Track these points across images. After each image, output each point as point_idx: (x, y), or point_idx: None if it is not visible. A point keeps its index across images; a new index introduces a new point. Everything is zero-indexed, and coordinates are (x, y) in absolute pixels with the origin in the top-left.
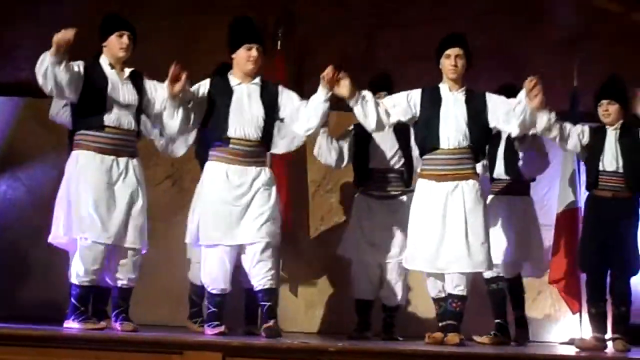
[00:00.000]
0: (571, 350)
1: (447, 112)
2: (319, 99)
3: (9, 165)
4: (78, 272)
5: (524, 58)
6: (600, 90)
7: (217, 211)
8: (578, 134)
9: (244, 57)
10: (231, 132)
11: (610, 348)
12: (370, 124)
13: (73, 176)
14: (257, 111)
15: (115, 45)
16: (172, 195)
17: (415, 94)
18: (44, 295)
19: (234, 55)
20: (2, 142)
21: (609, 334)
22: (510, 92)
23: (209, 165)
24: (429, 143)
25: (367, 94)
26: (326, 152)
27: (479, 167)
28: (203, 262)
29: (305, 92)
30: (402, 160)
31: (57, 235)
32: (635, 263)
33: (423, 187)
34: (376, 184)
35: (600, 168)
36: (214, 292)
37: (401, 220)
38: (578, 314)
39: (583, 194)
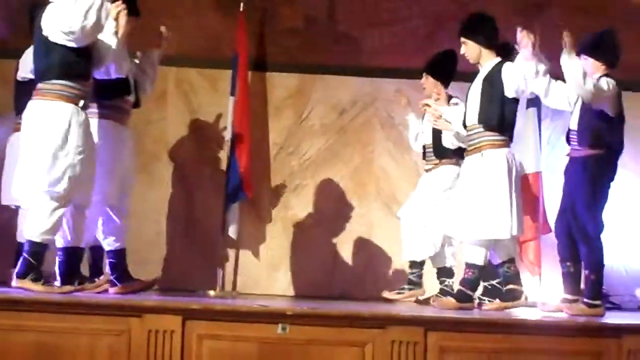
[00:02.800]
0: (536, 313)
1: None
2: None
3: None
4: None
5: None
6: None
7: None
8: (567, 93)
9: None
10: None
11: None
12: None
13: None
14: None
15: None
16: None
17: None
18: None
19: None
20: None
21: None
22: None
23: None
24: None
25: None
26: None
27: None
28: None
29: (268, 54)
30: None
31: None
32: (592, 226)
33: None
34: None
35: (570, 127)
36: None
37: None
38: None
39: (547, 157)
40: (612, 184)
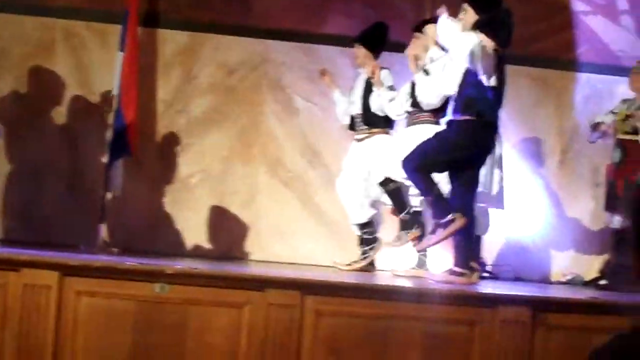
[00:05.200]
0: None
1: None
2: None
3: None
4: None
5: None
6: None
7: None
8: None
9: None
10: None
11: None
12: None
13: None
14: None
15: None
16: None
17: None
18: None
19: None
20: None
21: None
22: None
23: None
24: None
25: None
26: None
27: None
28: None
29: (159, 10)
30: None
31: None
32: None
33: None
34: None
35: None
36: None
37: None
38: None
39: None
40: (481, 153)
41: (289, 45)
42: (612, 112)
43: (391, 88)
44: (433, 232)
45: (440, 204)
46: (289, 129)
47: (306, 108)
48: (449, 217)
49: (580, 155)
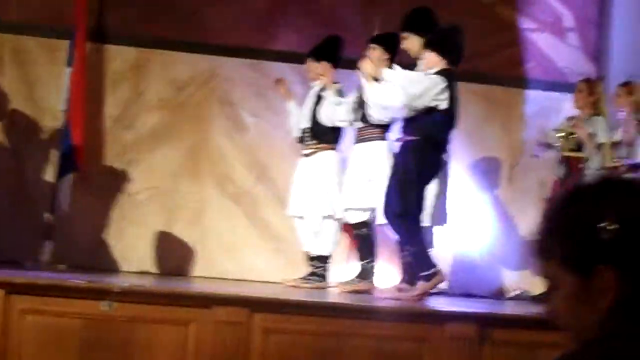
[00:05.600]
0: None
1: None
2: None
3: None
4: None
5: (329, 7)
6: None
7: None
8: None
9: None
10: None
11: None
12: None
13: None
14: None
15: None
16: None
17: None
18: None
19: None
20: None
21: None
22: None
23: None
24: None
25: None
26: None
27: None
28: None
29: (108, 25)
30: None
31: None
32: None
33: None
34: None
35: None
36: None
37: None
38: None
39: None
40: (431, 172)
41: (238, 62)
42: (556, 130)
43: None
44: (406, 279)
45: (423, 257)
46: (238, 145)
47: (255, 124)
48: (431, 270)
49: (528, 170)
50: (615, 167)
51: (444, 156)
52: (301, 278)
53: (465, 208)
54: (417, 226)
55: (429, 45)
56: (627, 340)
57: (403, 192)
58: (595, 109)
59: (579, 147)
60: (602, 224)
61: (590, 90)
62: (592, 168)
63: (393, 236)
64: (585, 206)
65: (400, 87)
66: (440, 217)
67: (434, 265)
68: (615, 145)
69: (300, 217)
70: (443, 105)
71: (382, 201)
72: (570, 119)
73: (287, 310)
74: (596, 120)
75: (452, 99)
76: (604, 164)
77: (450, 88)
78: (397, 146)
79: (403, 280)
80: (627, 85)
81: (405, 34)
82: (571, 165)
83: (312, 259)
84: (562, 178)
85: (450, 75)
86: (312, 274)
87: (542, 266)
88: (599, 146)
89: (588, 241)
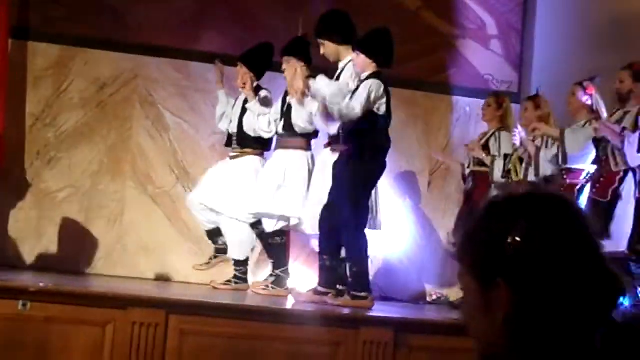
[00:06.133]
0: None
1: None
2: None
3: None
4: None
5: (254, 10)
6: None
7: None
8: None
9: None
10: None
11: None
12: None
13: None
14: None
15: None
16: None
17: None
18: None
19: None
20: None
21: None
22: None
23: None
24: None
25: None
26: None
27: None
28: None
29: (31, 23)
30: None
31: None
32: (354, 219)
33: None
34: None
35: None
36: None
37: None
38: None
39: None
40: (376, 179)
41: (161, 61)
42: (466, 145)
43: (267, 107)
44: (322, 284)
45: (362, 277)
46: (159, 144)
47: (177, 124)
48: (363, 294)
49: (448, 176)
50: (520, 182)
51: (385, 160)
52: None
53: (385, 213)
54: (364, 239)
55: (359, 47)
56: (515, 357)
57: (351, 203)
58: (502, 123)
59: (483, 162)
60: (507, 239)
61: (498, 104)
62: (497, 182)
63: (316, 247)
64: (497, 220)
65: (332, 98)
66: (375, 222)
67: (368, 291)
68: (522, 159)
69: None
70: (383, 108)
71: (319, 212)
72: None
73: (204, 312)
74: (502, 135)
75: (388, 102)
76: (510, 179)
77: (386, 90)
78: (336, 156)
79: (320, 284)
80: (534, 98)
81: (320, 40)
82: (477, 179)
83: (217, 256)
84: (468, 191)
85: (383, 78)
86: (233, 276)
87: (459, 271)
88: (505, 160)
89: (492, 253)
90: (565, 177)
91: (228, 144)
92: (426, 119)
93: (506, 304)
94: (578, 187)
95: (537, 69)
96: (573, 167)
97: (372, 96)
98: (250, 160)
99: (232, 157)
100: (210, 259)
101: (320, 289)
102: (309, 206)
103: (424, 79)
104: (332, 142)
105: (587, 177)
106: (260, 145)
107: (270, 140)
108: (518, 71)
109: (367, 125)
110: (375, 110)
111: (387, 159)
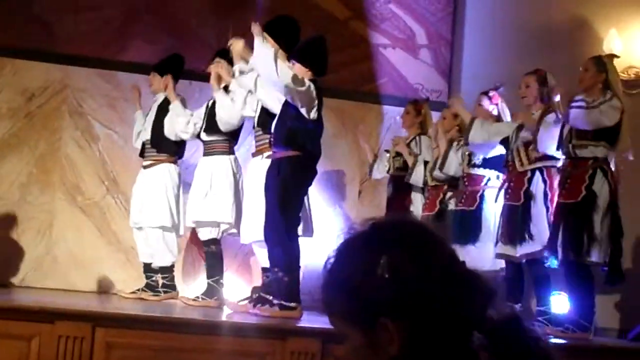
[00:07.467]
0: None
1: None
2: None
3: None
4: None
5: (182, 20)
6: None
7: None
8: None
9: None
10: None
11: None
12: None
13: None
14: None
15: None
16: None
17: None
18: None
19: None
20: None
21: None
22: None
23: None
24: None
25: None
26: None
27: None
28: None
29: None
30: None
31: None
32: (284, 227)
33: None
34: None
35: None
36: None
37: None
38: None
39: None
40: (307, 186)
41: (90, 72)
42: (387, 150)
43: (185, 108)
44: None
45: (290, 287)
46: (88, 155)
47: (106, 135)
48: (292, 304)
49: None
50: (436, 187)
51: (315, 167)
52: (150, 291)
53: (317, 220)
54: (296, 248)
55: (295, 56)
56: None
57: (284, 210)
58: (422, 129)
59: (405, 167)
60: (376, 279)
61: (416, 111)
62: (415, 186)
63: (260, 256)
64: (357, 259)
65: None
66: (307, 228)
67: (297, 301)
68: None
69: (139, 228)
70: (315, 115)
71: (254, 220)
72: (397, 139)
73: (131, 324)
74: (422, 140)
75: (320, 109)
76: (428, 183)
77: (319, 98)
78: (266, 163)
79: (284, 300)
80: (415, 103)
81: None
82: (397, 184)
83: (148, 269)
84: (390, 197)
85: (318, 86)
86: (163, 285)
87: (330, 319)
88: (425, 165)
89: (364, 295)
90: (466, 183)
91: (142, 153)
92: (355, 129)
93: (397, 339)
94: (479, 193)
95: (466, 78)
96: (473, 172)
97: (310, 88)
98: (164, 167)
99: (145, 167)
100: (139, 289)
101: (286, 303)
102: (245, 216)
103: (353, 88)
104: (262, 149)
105: (487, 183)
106: (175, 149)
107: (184, 144)
108: (447, 80)
109: (299, 132)
110: (307, 116)
111: (318, 167)
